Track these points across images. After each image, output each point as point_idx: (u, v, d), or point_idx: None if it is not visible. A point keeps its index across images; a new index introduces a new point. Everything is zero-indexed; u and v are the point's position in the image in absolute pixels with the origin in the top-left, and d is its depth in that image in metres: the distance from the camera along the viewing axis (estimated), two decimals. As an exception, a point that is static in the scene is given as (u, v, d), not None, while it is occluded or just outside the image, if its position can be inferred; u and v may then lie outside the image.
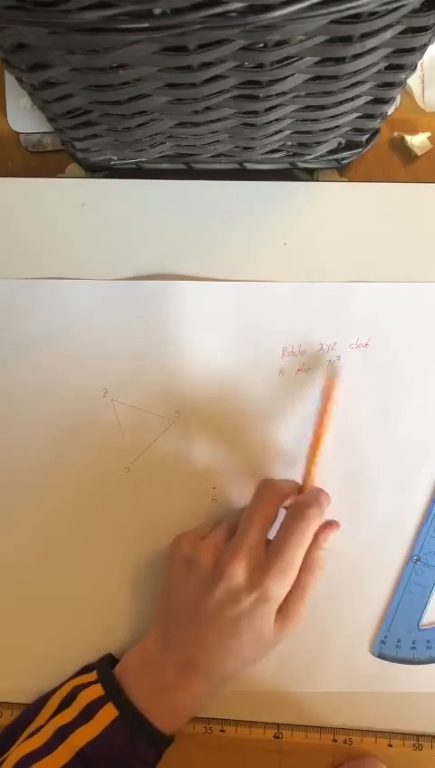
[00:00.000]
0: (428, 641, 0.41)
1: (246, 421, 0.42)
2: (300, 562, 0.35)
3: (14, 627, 0.42)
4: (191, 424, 0.42)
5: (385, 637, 0.41)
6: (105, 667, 0.38)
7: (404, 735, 0.41)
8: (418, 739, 0.41)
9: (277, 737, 0.41)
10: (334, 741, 0.41)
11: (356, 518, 0.41)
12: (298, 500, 0.37)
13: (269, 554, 0.35)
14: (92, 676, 0.37)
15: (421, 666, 0.41)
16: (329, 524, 0.37)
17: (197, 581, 0.36)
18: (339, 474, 0.42)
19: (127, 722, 0.35)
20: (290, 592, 0.35)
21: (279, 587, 0.34)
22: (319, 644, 0.41)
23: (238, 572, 0.34)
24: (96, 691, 0.36)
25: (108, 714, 0.35)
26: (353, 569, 0.42)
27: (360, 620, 0.42)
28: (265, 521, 0.36)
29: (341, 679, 0.41)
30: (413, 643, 0.41)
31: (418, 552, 0.42)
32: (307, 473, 0.39)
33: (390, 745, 0.41)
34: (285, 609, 0.35)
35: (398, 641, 0.41)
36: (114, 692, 0.36)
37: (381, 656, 0.41)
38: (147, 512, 0.42)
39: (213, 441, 0.42)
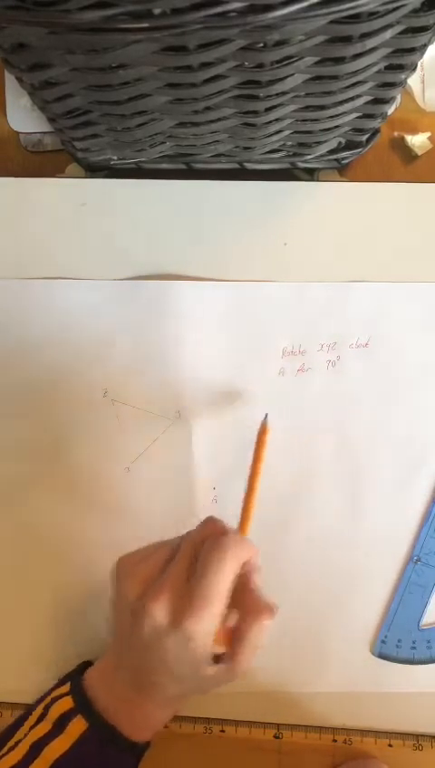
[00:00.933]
0: (428, 641, 0.41)
1: (245, 421, 0.42)
2: (221, 595, 0.32)
3: (14, 627, 0.42)
4: (191, 424, 0.42)
5: (385, 637, 0.41)
6: (77, 678, 0.37)
7: (404, 735, 0.41)
8: (418, 739, 0.41)
9: (277, 737, 0.41)
10: (334, 741, 0.40)
11: (356, 518, 0.42)
12: (215, 530, 0.34)
13: (189, 591, 0.32)
14: (66, 687, 0.37)
15: (421, 666, 0.41)
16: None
17: (125, 610, 0.34)
18: (339, 474, 0.42)
19: (96, 733, 0.34)
20: (233, 636, 0.33)
21: (199, 624, 0.31)
22: (319, 644, 0.41)
23: (160, 611, 0.32)
24: (67, 703, 0.36)
25: (78, 726, 0.35)
26: (354, 569, 0.42)
27: (360, 620, 0.42)
28: (194, 557, 0.34)
29: (341, 679, 0.41)
30: (413, 643, 0.41)
31: (418, 552, 0.42)
32: (241, 528, 0.36)
33: (390, 745, 0.41)
34: (230, 652, 0.33)
35: (398, 641, 0.41)
36: (83, 704, 0.35)
37: (381, 656, 0.41)
38: (147, 512, 0.42)
39: (213, 441, 0.42)
